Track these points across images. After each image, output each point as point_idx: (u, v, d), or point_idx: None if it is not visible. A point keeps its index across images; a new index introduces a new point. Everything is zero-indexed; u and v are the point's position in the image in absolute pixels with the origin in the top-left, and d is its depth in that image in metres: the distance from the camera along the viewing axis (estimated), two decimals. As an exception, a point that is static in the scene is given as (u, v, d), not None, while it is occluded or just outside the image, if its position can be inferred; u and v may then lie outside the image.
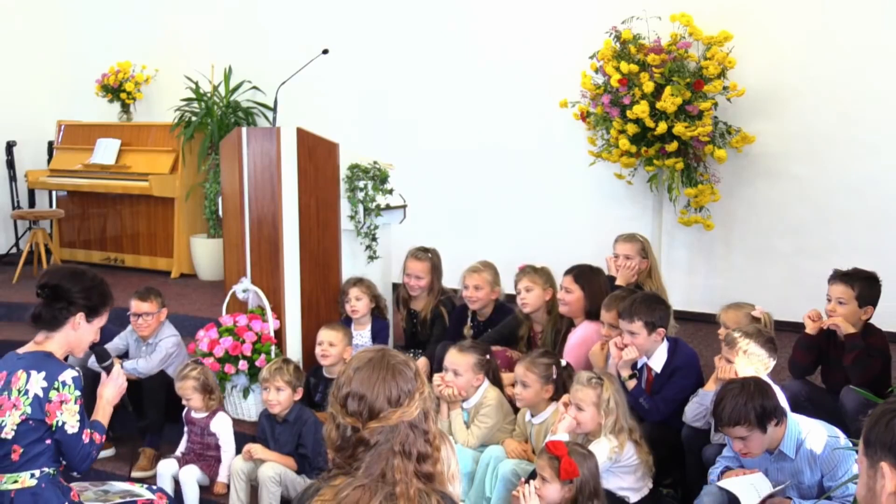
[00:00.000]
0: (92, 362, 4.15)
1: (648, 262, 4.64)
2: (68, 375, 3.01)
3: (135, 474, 4.31)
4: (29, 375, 2.98)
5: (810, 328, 3.98)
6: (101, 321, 3.20)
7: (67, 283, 3.10)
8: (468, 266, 4.86)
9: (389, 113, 6.88)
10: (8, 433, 2.96)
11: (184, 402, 4.41)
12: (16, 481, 2.97)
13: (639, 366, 3.94)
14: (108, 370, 3.34)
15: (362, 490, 1.83)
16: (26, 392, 2.96)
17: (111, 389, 3.29)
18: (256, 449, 4.10)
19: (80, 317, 3.11)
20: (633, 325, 3.83)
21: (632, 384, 3.86)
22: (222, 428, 4.36)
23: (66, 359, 3.21)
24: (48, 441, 3.01)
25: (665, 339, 3.91)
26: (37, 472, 3.00)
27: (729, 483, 3.28)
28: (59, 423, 2.98)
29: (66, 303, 3.08)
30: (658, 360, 3.90)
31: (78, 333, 3.13)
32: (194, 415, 4.39)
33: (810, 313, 4.01)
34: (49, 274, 3.21)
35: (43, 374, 2.99)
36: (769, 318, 3.98)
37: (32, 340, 3.14)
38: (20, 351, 3.12)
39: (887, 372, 3.93)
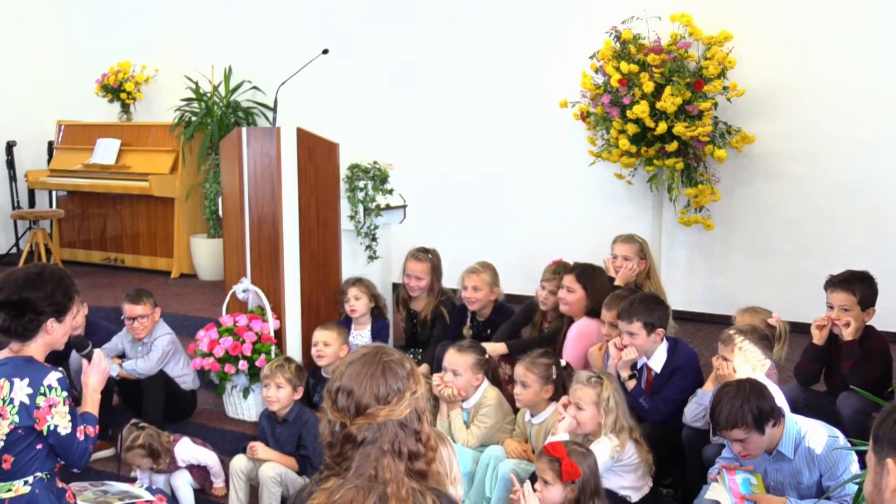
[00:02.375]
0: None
1: (646, 263, 4.64)
2: (53, 378, 2.94)
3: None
4: (12, 384, 2.90)
5: (817, 338, 3.94)
6: (72, 315, 3.10)
7: (28, 293, 2.97)
8: (467, 267, 4.86)
9: (389, 113, 6.87)
10: None
11: (133, 471, 4.23)
12: (9, 490, 2.92)
13: (638, 366, 3.93)
14: (89, 357, 3.26)
15: (356, 490, 1.81)
16: (11, 401, 2.89)
17: (95, 376, 3.21)
18: (259, 449, 4.10)
19: (50, 322, 3.01)
20: (633, 325, 3.83)
21: (631, 384, 3.85)
22: (181, 485, 4.26)
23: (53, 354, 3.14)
24: (39, 446, 2.95)
25: (664, 340, 3.91)
26: (30, 479, 2.95)
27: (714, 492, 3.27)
28: (52, 427, 2.92)
29: (33, 314, 2.97)
30: (658, 361, 3.90)
31: (53, 336, 3.04)
32: (155, 476, 4.26)
33: (818, 321, 3.95)
34: (5, 288, 2.99)
35: (26, 380, 2.91)
36: (784, 327, 3.93)
37: (7, 348, 3.03)
38: None
39: (888, 374, 3.91)
